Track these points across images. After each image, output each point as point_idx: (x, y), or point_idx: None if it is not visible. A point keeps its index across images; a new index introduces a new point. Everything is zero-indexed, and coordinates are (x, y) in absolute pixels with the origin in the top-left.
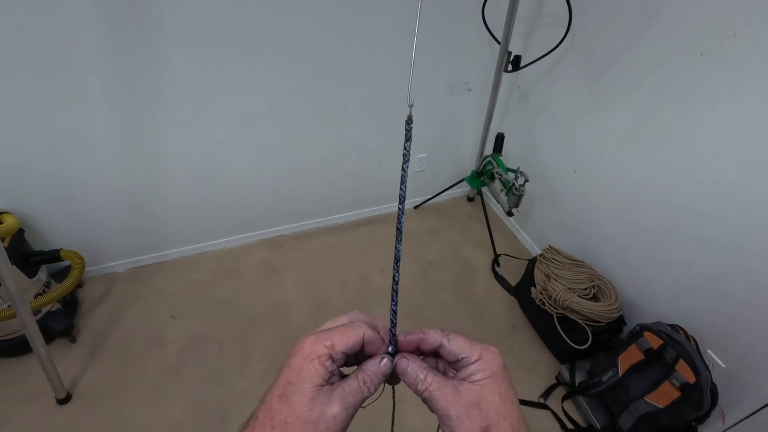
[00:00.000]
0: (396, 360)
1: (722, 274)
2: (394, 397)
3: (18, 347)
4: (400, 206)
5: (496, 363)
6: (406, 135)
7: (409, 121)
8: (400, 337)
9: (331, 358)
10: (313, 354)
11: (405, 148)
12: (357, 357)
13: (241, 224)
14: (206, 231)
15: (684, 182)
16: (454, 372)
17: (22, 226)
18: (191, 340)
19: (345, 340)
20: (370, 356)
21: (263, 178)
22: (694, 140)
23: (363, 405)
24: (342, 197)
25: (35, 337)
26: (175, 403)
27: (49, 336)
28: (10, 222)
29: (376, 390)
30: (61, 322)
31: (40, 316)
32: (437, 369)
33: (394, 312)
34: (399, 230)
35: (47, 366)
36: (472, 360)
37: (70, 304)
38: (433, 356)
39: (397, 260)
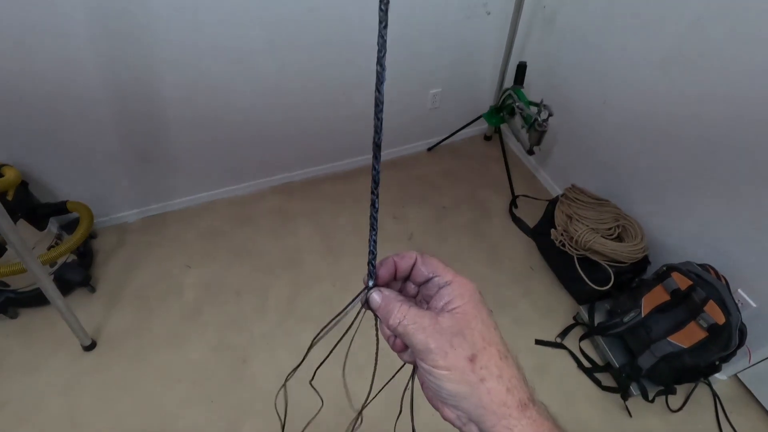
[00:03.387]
0: (368, 294)
1: (764, 209)
2: (377, 326)
3: (40, 298)
4: (378, 115)
5: (471, 287)
6: (380, 17)
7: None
8: (377, 265)
9: None
10: None
11: (381, 36)
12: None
13: (249, 171)
14: (214, 178)
15: (730, 108)
16: (427, 304)
17: (25, 178)
18: (208, 288)
19: None
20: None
21: (266, 120)
22: (747, 60)
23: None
24: (351, 140)
25: (49, 288)
26: (196, 347)
27: (67, 287)
28: (10, 174)
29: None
30: (78, 273)
31: (56, 267)
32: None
33: (374, 242)
34: (377, 146)
35: (67, 315)
36: (444, 281)
37: (85, 255)
38: (407, 282)
39: (376, 183)
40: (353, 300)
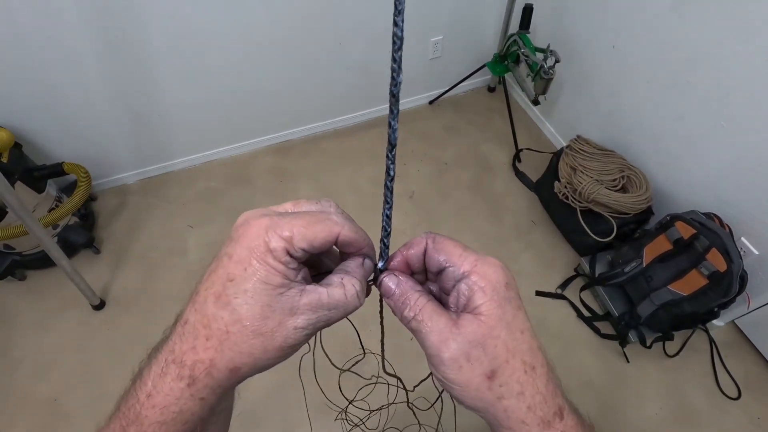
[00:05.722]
0: (382, 277)
1: None
2: (381, 315)
3: (46, 260)
4: (395, 54)
5: (496, 278)
6: None
7: None
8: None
9: (289, 254)
10: (263, 245)
11: None
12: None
13: (245, 129)
14: (211, 138)
15: (747, 50)
16: (446, 297)
17: (18, 140)
18: (212, 247)
19: (310, 233)
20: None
21: (260, 74)
22: None
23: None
24: (349, 94)
25: (53, 249)
26: None
27: (72, 249)
28: (3, 136)
29: (360, 304)
30: (81, 235)
31: (59, 230)
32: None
33: (388, 217)
34: (394, 96)
35: (73, 276)
36: (461, 273)
37: (87, 217)
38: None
39: (392, 145)
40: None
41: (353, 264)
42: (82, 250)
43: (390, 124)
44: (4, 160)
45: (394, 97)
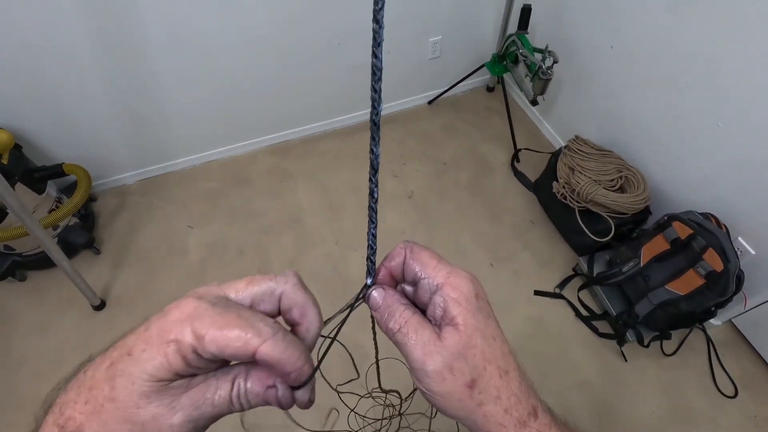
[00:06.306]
0: (370, 291)
1: None
2: (374, 331)
3: (46, 261)
4: (375, 85)
5: (467, 289)
6: None
7: None
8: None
9: (196, 352)
10: (171, 334)
11: None
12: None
13: (245, 130)
14: (210, 139)
15: (742, 51)
16: (424, 312)
17: (19, 141)
18: (211, 247)
19: (223, 341)
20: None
21: (260, 74)
22: None
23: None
24: (347, 95)
25: (53, 250)
26: None
27: (72, 249)
28: (3, 137)
29: (252, 408)
30: (82, 236)
31: (59, 231)
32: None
33: (373, 236)
34: (375, 124)
35: (73, 276)
36: (435, 284)
37: (87, 218)
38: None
39: (374, 170)
40: (354, 302)
41: (256, 377)
42: (82, 251)
43: (372, 150)
44: (4, 161)
45: (376, 125)
